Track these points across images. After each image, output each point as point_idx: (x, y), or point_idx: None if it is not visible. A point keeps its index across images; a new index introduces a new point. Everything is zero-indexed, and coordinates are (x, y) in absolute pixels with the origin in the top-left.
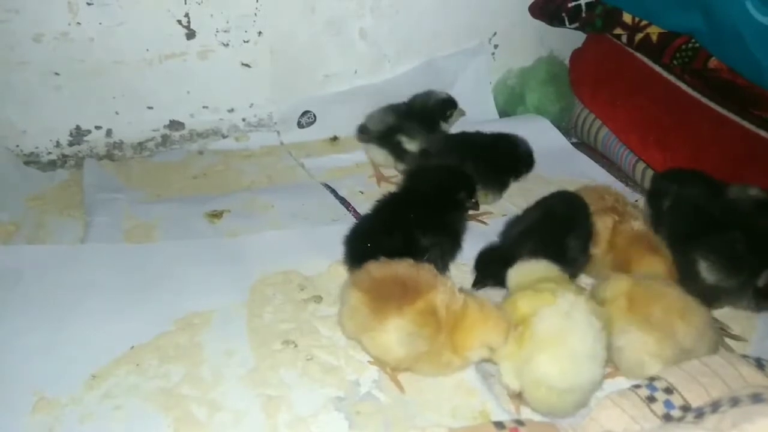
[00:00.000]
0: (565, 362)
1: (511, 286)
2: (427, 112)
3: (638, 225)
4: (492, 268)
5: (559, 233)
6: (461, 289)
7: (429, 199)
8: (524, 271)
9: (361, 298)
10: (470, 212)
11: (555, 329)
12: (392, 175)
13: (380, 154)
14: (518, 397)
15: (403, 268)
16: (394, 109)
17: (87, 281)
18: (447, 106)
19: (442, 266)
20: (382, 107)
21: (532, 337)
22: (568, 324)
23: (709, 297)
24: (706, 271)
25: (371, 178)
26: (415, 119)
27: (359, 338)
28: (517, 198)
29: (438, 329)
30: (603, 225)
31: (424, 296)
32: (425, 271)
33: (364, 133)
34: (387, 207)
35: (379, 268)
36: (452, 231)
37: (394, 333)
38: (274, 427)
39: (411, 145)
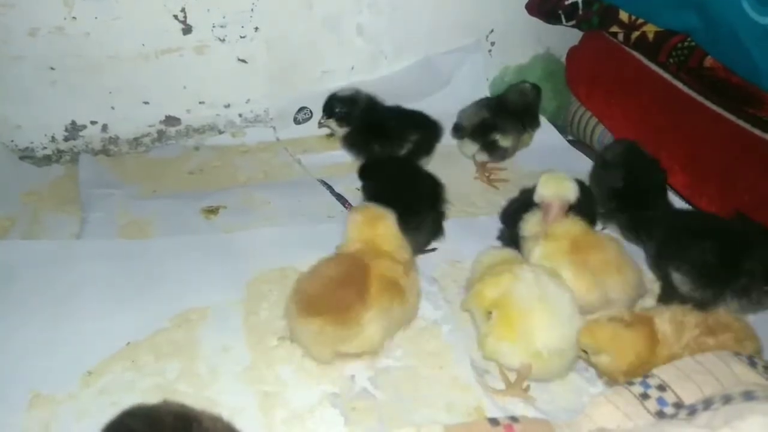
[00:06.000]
0: (561, 323)
1: (474, 275)
2: (521, 107)
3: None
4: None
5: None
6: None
7: None
8: (485, 258)
9: (319, 321)
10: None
11: (537, 299)
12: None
13: (471, 149)
14: (521, 379)
15: (329, 271)
16: (486, 105)
17: (82, 277)
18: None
19: None
20: (474, 103)
21: (518, 314)
22: (544, 290)
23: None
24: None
25: (475, 179)
26: (509, 115)
27: (338, 352)
28: (514, 195)
29: (400, 291)
30: None
31: (370, 275)
32: (344, 259)
33: (459, 131)
34: None
35: (310, 283)
36: None
37: (375, 324)
38: (270, 423)
39: (505, 142)
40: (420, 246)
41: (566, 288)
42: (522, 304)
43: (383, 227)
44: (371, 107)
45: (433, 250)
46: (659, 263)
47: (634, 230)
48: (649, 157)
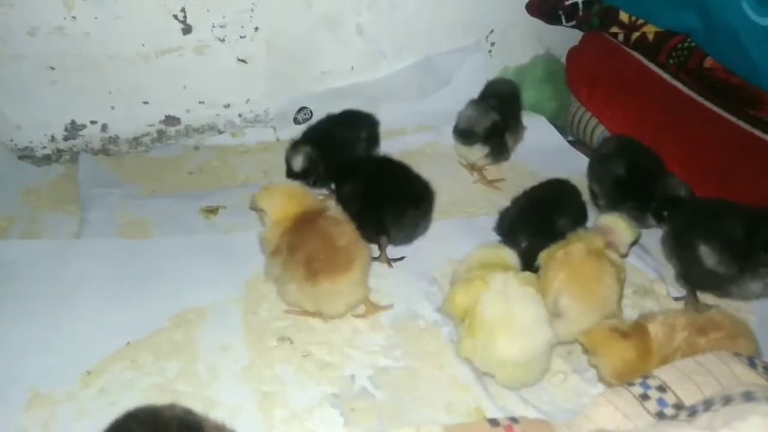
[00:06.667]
0: (520, 337)
1: (460, 272)
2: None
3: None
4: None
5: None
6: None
7: None
8: (474, 257)
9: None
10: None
11: (500, 311)
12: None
13: (481, 153)
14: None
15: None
16: (489, 106)
17: (82, 276)
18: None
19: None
20: (471, 105)
21: (482, 325)
22: (509, 302)
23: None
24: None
25: (475, 183)
26: (515, 113)
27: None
28: (515, 195)
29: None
30: None
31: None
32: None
33: (470, 137)
34: None
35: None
36: None
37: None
38: (270, 423)
39: (511, 140)
40: (401, 242)
41: (535, 300)
42: (485, 315)
43: (306, 196)
44: (325, 147)
45: (401, 258)
46: (681, 241)
47: (641, 213)
48: (643, 146)
